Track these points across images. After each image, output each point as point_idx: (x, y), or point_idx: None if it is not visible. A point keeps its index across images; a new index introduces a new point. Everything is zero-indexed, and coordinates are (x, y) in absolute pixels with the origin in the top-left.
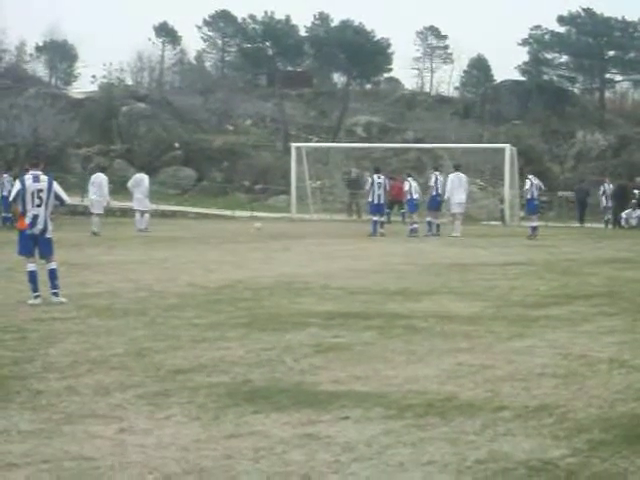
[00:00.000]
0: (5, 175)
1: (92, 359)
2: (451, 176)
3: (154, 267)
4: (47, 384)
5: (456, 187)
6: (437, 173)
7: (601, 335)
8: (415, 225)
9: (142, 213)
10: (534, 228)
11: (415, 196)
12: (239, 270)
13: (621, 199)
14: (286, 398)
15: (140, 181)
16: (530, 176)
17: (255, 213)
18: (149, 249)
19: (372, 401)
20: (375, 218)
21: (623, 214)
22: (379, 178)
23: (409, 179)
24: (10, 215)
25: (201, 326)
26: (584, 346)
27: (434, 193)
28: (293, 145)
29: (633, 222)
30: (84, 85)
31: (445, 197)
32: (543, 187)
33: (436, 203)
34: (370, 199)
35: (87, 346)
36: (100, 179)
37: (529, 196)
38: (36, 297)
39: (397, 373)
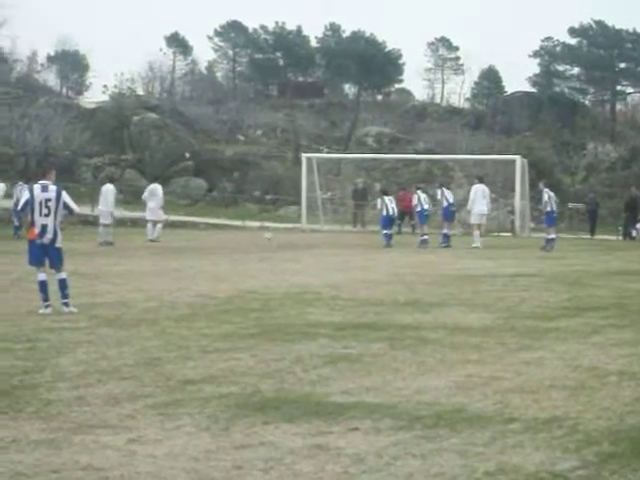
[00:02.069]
0: (20, 184)
1: (102, 369)
2: (474, 187)
3: (164, 277)
4: (57, 394)
5: (479, 198)
6: (443, 189)
7: (611, 347)
8: (425, 237)
9: (154, 223)
10: (550, 240)
11: (425, 207)
12: (249, 280)
13: (633, 210)
14: (296, 409)
15: (154, 191)
16: (546, 189)
17: (265, 223)
18: (160, 259)
19: (382, 412)
20: (386, 231)
21: (638, 225)
22: (390, 201)
23: (418, 192)
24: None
25: (211, 336)
26: (594, 358)
27: (445, 204)
28: (304, 156)
29: None
30: (95, 95)
31: (467, 208)
32: (557, 200)
33: (449, 214)
34: (384, 213)
35: (97, 356)
36: (106, 190)
37: (549, 208)
38: (46, 307)
39: (407, 384)
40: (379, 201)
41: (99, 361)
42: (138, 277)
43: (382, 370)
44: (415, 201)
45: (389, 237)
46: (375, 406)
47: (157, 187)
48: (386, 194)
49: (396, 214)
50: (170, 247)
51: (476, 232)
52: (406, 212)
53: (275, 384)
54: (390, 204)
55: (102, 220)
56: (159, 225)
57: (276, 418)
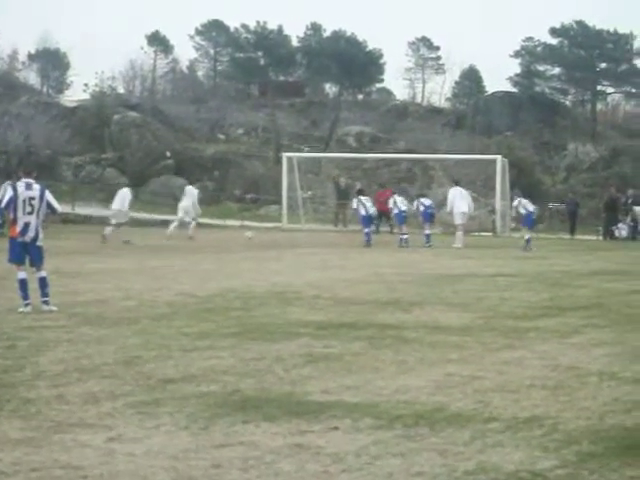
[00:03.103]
0: (9, 183)
1: (82, 367)
2: (451, 190)
3: (145, 276)
4: (37, 392)
5: (457, 198)
6: (420, 199)
7: (591, 347)
8: (405, 236)
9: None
10: (528, 240)
11: (403, 208)
12: (230, 279)
13: (612, 210)
14: (276, 408)
15: (189, 191)
16: (518, 198)
17: (246, 222)
18: (140, 258)
19: (362, 411)
20: (367, 230)
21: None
22: (367, 201)
23: (394, 195)
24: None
25: (191, 335)
26: (574, 358)
27: (422, 208)
28: (284, 155)
29: (623, 233)
30: (76, 93)
31: (447, 210)
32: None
33: (428, 215)
34: (362, 212)
35: (77, 355)
36: (124, 193)
37: (523, 211)
38: (26, 305)
39: (387, 383)
40: (355, 201)
41: (79, 360)
42: (119, 276)
43: (362, 369)
44: (391, 204)
45: (369, 236)
46: (355, 405)
47: (192, 188)
48: (362, 194)
49: (374, 213)
50: (151, 246)
51: (459, 232)
52: (384, 212)
53: (255, 383)
54: (367, 203)
55: (115, 220)
56: (193, 223)
57: (256, 417)
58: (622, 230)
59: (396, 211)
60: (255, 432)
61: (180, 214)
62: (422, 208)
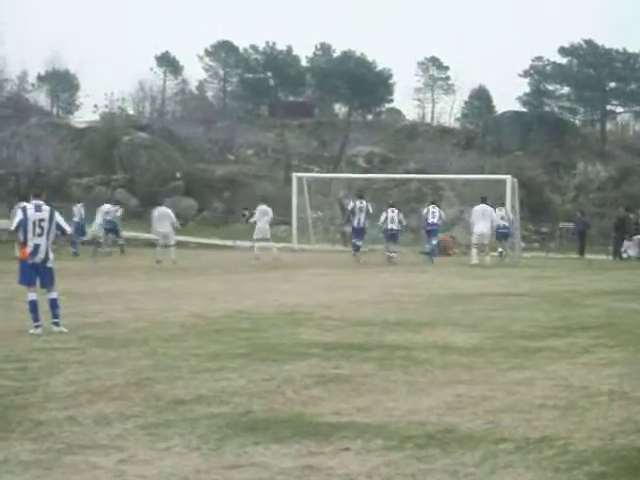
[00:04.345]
0: (79, 205)
1: (93, 389)
2: (476, 207)
3: (155, 297)
4: (48, 414)
5: (479, 217)
6: (430, 207)
7: (601, 367)
8: (394, 253)
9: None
10: (501, 252)
11: (390, 226)
12: (240, 300)
13: (621, 230)
14: (287, 429)
15: (266, 212)
16: (504, 208)
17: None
18: (151, 279)
19: (373, 432)
20: (354, 240)
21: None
22: (361, 203)
23: (389, 210)
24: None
25: (201, 356)
26: (584, 378)
27: (426, 222)
28: (294, 175)
29: (632, 253)
30: (86, 115)
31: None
32: (443, 216)
33: (430, 232)
34: (354, 224)
35: (88, 376)
36: (164, 212)
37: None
38: (37, 327)
39: (398, 404)
40: (351, 205)
41: (90, 381)
42: (129, 297)
43: (373, 390)
44: (382, 218)
45: (355, 247)
46: (366, 426)
47: (267, 208)
48: (361, 197)
49: (362, 225)
50: (161, 267)
51: (473, 250)
52: None
53: (265, 404)
54: (359, 214)
55: (165, 241)
56: (270, 244)
57: (266, 438)
58: (629, 249)
59: (386, 227)
60: (265, 453)
61: (162, 241)
62: (430, 220)
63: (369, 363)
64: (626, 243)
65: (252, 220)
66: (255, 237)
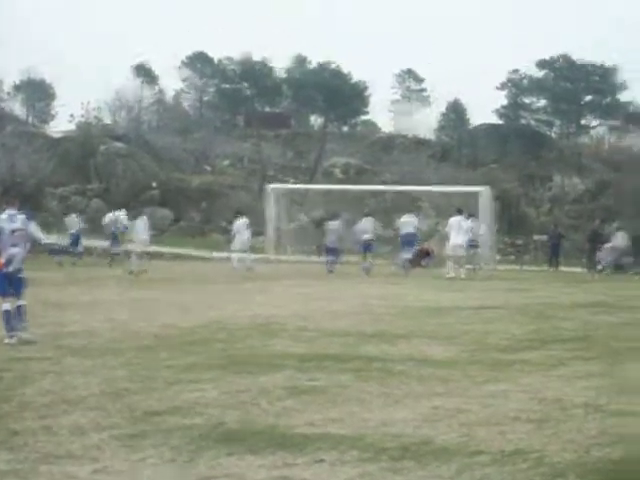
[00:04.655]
0: (118, 212)
1: (68, 399)
2: (451, 219)
3: (131, 307)
4: (23, 424)
5: (455, 230)
6: (414, 214)
7: (576, 379)
8: (366, 264)
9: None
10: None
11: (365, 237)
12: (215, 311)
13: (595, 242)
14: (261, 441)
15: (244, 225)
16: (406, 215)
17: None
18: (126, 289)
19: (348, 444)
20: (328, 258)
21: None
22: (333, 225)
23: (364, 220)
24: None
25: (176, 367)
26: (559, 390)
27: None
28: (270, 186)
29: (608, 261)
30: (61, 124)
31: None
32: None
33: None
34: (325, 242)
35: (63, 386)
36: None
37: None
38: (11, 337)
39: (373, 416)
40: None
41: (65, 391)
42: (105, 307)
43: (348, 402)
44: (357, 229)
45: (328, 264)
46: (341, 438)
47: (247, 220)
48: (335, 218)
49: (334, 246)
50: (136, 277)
51: (449, 263)
52: None
53: (240, 416)
54: (330, 235)
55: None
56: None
57: (241, 450)
58: (603, 260)
59: (360, 239)
60: (240, 465)
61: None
62: (405, 232)
63: (345, 374)
64: (599, 254)
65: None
66: (233, 248)
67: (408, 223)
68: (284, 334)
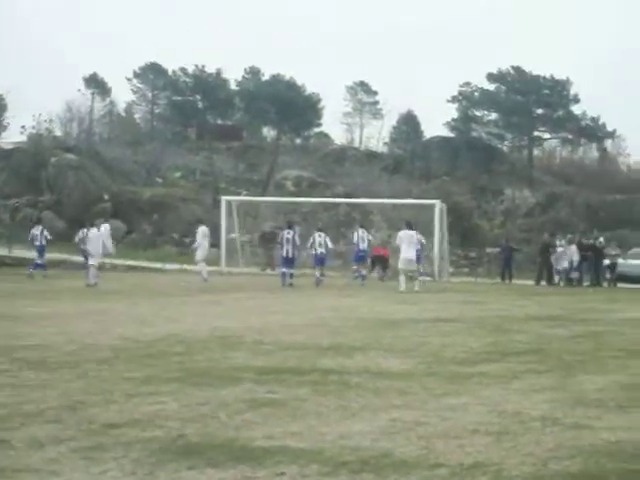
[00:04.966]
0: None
1: (25, 412)
2: (401, 232)
3: (86, 320)
4: None
5: (404, 243)
6: (360, 230)
7: (533, 392)
8: (320, 275)
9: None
10: (364, 276)
11: (319, 250)
12: (171, 324)
13: (545, 255)
14: (221, 454)
15: (206, 232)
16: (361, 229)
17: (185, 266)
18: (81, 301)
19: (307, 457)
20: (284, 270)
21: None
22: (288, 234)
23: (316, 234)
24: None
25: (134, 380)
26: (517, 403)
27: (357, 249)
28: (223, 198)
29: (563, 265)
30: (12, 136)
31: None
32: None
33: (359, 258)
34: (281, 252)
35: (20, 399)
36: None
37: (361, 247)
38: None
39: (331, 429)
40: (279, 234)
41: (22, 404)
42: (60, 319)
43: (306, 415)
44: (310, 241)
45: (283, 276)
46: (300, 451)
47: (206, 229)
48: (290, 227)
49: (290, 255)
50: (91, 289)
51: (401, 277)
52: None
53: (199, 428)
54: (286, 245)
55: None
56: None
57: (201, 463)
58: (558, 265)
59: (312, 252)
60: (200, 478)
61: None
62: (361, 247)
63: (302, 388)
64: (553, 261)
65: (195, 245)
66: (198, 259)
67: (363, 238)
68: (241, 347)
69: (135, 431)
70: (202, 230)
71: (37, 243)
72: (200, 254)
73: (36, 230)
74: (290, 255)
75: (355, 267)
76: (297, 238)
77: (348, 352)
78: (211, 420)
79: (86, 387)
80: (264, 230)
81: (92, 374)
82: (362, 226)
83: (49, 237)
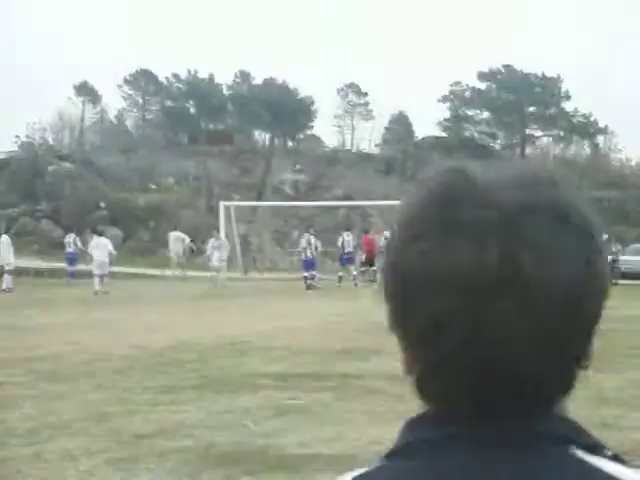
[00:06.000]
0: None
1: (52, 424)
2: (387, 233)
3: (93, 329)
4: (12, 450)
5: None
6: (344, 234)
7: None
8: (309, 280)
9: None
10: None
11: (308, 254)
12: (179, 331)
13: None
14: (256, 462)
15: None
16: (345, 233)
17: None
18: (85, 310)
19: (342, 464)
20: (306, 274)
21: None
22: (308, 238)
23: (305, 236)
24: None
25: (152, 389)
26: None
27: (341, 252)
28: (222, 203)
29: None
30: (6, 145)
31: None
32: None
33: (345, 261)
34: (303, 257)
35: (44, 411)
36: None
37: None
38: None
39: (361, 435)
40: (302, 240)
41: (47, 416)
42: (66, 329)
43: (334, 421)
44: (303, 244)
45: (306, 280)
46: (334, 458)
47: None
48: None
49: (313, 259)
50: (94, 298)
51: None
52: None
53: (229, 437)
54: (309, 249)
55: (100, 271)
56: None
57: (237, 472)
58: None
59: (302, 256)
60: None
61: (98, 270)
62: (347, 250)
63: (324, 393)
64: None
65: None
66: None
67: (349, 242)
68: (253, 353)
69: (165, 441)
70: (175, 235)
71: (69, 249)
72: (214, 261)
73: (69, 238)
74: (309, 258)
75: (341, 274)
76: (318, 243)
77: (363, 355)
78: (239, 428)
79: (105, 397)
80: (242, 233)
81: (108, 384)
82: (348, 229)
83: (80, 246)
